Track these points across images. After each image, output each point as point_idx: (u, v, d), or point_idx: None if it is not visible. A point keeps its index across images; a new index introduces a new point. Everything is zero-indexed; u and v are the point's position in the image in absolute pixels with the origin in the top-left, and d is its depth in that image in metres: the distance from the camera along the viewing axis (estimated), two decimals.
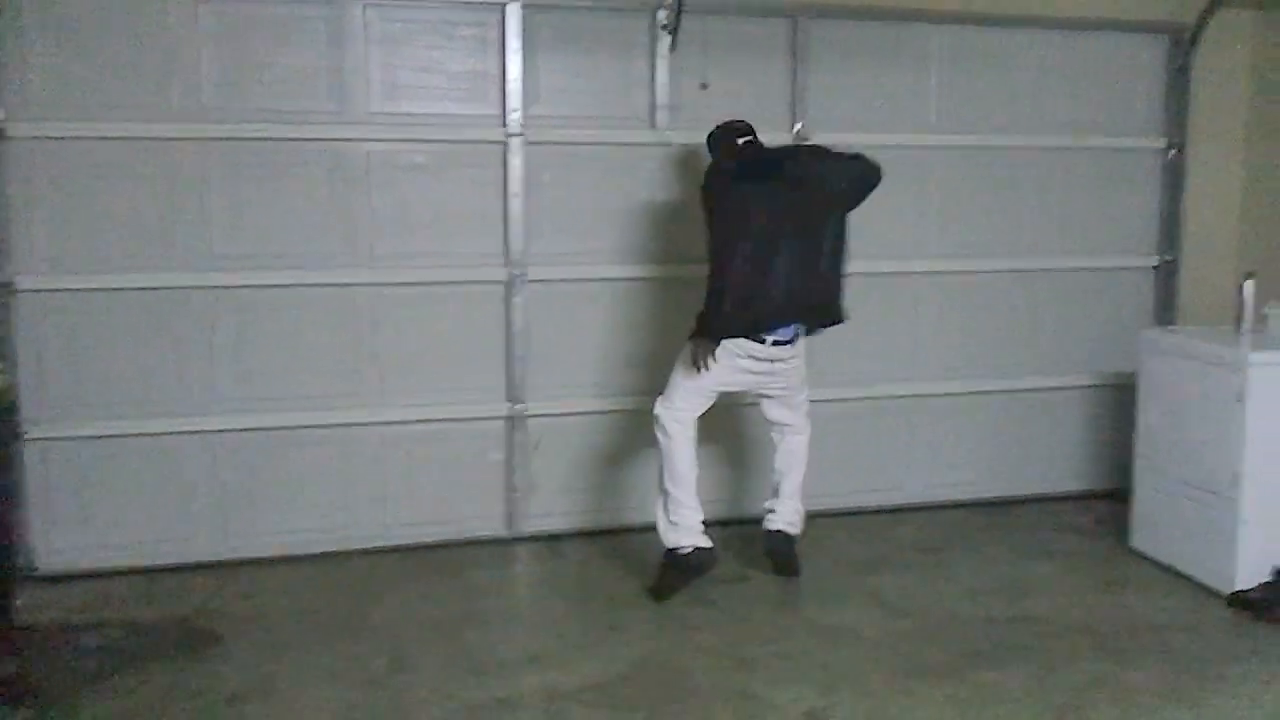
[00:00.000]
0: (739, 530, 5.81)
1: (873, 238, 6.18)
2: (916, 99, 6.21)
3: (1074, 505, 6.53)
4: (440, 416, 5.73)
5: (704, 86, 5.76)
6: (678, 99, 5.81)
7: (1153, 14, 6.43)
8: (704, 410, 5.11)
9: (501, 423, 5.83)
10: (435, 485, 5.78)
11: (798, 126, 5.87)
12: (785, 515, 5.37)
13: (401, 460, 5.72)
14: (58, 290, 5.24)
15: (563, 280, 5.77)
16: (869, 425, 6.35)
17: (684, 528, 5.08)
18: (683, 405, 5.06)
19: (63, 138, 5.17)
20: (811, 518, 5.59)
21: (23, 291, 5.19)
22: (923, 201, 6.28)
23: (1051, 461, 6.66)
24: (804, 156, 5.07)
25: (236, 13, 5.29)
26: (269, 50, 5.36)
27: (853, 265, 6.12)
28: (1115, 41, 6.45)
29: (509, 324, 5.75)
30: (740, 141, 5.12)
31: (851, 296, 5.96)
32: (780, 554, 5.39)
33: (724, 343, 4.96)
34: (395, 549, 5.70)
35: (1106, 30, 6.40)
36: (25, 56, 5.10)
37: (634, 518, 5.98)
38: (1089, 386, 6.63)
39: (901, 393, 6.37)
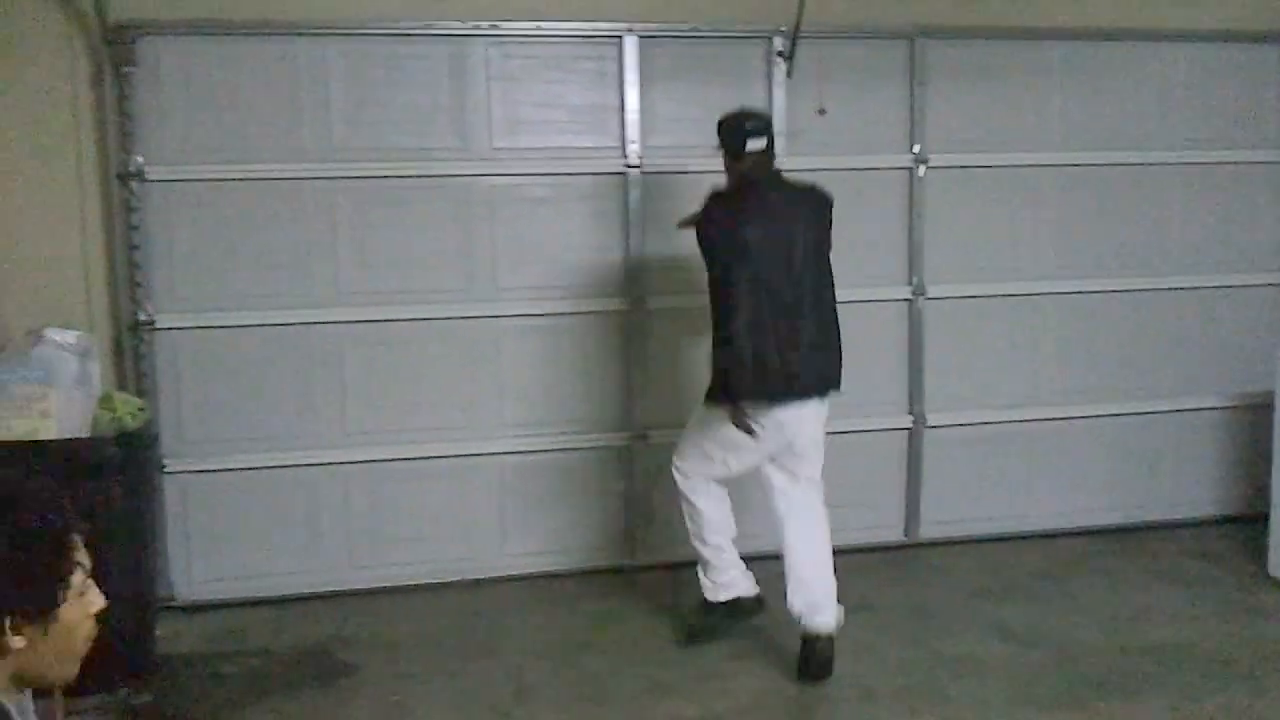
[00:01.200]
0: (863, 558, 5.77)
1: (993, 259, 6.13)
2: (1037, 117, 6.12)
3: (1208, 530, 6.35)
4: (562, 446, 5.80)
5: (821, 112, 5.75)
6: (796, 125, 5.80)
7: (1274, 24, 6.26)
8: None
9: (622, 451, 5.88)
10: (557, 515, 5.84)
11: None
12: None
13: (524, 490, 5.80)
14: (195, 328, 5.41)
15: (683, 309, 5.76)
16: (991, 451, 6.25)
17: (725, 581, 4.93)
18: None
19: (199, 179, 5.35)
20: (934, 545, 5.54)
21: (161, 329, 5.38)
22: (1044, 221, 6.19)
23: (1184, 485, 6.49)
24: (818, 210, 4.67)
25: (362, 53, 5.44)
26: (394, 89, 5.49)
27: (978, 287, 6.06)
28: (1237, 53, 6.30)
29: (629, 353, 5.80)
30: (750, 147, 4.62)
31: (971, 319, 5.90)
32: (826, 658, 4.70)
33: None
34: (520, 577, 5.77)
35: (1228, 41, 6.26)
36: (163, 103, 5.29)
37: (754, 545, 5.95)
38: (1222, 408, 6.45)
39: (1025, 417, 6.26)
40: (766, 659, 4.83)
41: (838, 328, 4.67)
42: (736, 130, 4.68)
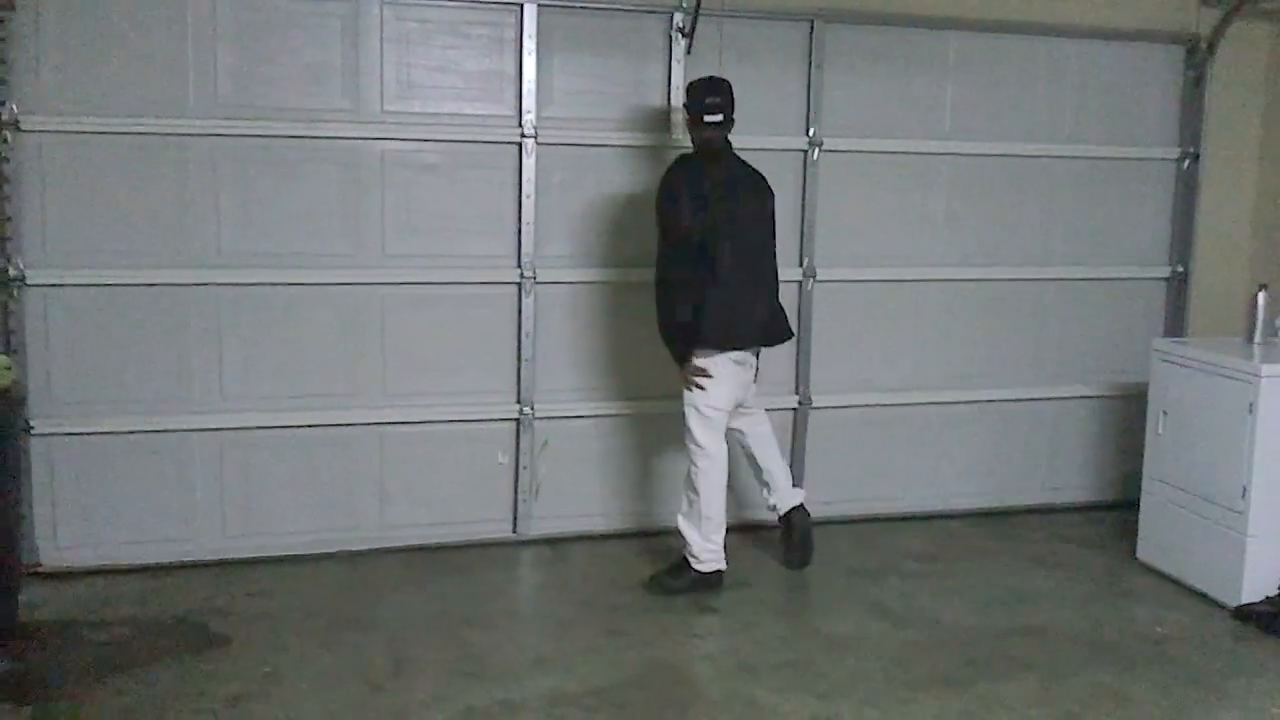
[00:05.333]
0: (740, 536, 5.80)
1: (882, 244, 6.20)
2: (931, 106, 6.19)
3: (1081, 516, 6.50)
4: (448, 418, 5.73)
5: None
6: None
7: (1169, 24, 6.41)
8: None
9: (510, 425, 5.82)
10: (442, 487, 5.77)
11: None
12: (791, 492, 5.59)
13: (408, 461, 5.71)
14: (67, 285, 5.22)
15: (573, 283, 5.77)
16: (873, 433, 6.33)
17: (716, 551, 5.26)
18: None
19: (76, 132, 5.16)
20: (817, 525, 5.59)
21: (32, 285, 5.18)
22: (934, 208, 6.26)
23: (1059, 472, 6.64)
24: (760, 197, 5.25)
25: (253, 8, 5.28)
26: (284, 47, 5.35)
27: (866, 271, 6.16)
28: (1131, 51, 6.43)
29: (519, 326, 5.74)
30: (707, 119, 5.05)
31: (859, 303, 6.00)
32: (804, 530, 5.55)
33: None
34: (400, 550, 5.68)
35: (1123, 40, 6.38)
36: (41, 50, 5.09)
37: (641, 522, 5.98)
38: (1098, 397, 6.61)
39: (906, 401, 6.35)
40: (648, 633, 4.83)
41: (778, 296, 5.35)
42: (698, 100, 5.07)
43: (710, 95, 5.05)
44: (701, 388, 5.09)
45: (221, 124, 5.30)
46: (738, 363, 5.15)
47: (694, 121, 5.07)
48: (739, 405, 5.29)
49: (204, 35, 5.25)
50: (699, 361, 5.07)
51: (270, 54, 5.34)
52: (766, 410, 5.59)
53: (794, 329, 5.54)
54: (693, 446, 5.15)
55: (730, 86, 5.09)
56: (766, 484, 5.55)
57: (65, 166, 5.18)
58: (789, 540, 5.56)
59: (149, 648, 4.59)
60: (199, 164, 5.31)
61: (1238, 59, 6.47)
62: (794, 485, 5.64)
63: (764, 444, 5.52)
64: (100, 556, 5.36)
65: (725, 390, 5.13)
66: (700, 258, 5.00)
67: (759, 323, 5.18)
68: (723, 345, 5.08)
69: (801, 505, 5.56)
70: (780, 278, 5.35)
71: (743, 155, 5.25)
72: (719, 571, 5.25)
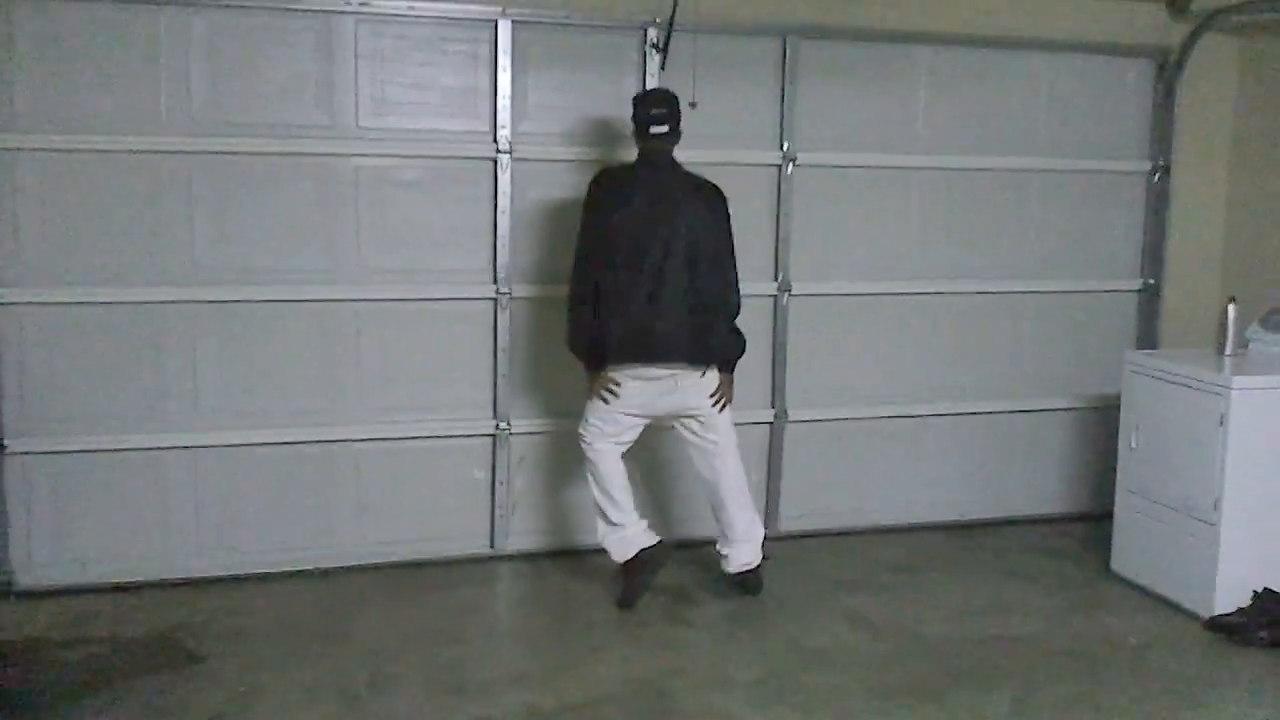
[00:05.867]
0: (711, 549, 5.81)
1: (856, 258, 6.23)
2: (903, 120, 6.23)
3: (1055, 528, 6.53)
4: (425, 434, 5.72)
5: (693, 105, 5.72)
6: None
7: (1139, 38, 6.46)
8: None
9: (486, 440, 5.82)
10: (418, 503, 5.76)
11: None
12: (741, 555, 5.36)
13: (385, 477, 5.71)
14: (41, 303, 5.21)
15: (549, 298, 5.77)
16: (850, 446, 6.34)
17: (630, 538, 5.23)
18: None
19: (50, 149, 5.14)
20: (793, 538, 5.62)
21: (6, 304, 5.16)
22: (907, 223, 6.30)
23: (1033, 484, 6.67)
24: (692, 210, 5.07)
25: (227, 24, 5.28)
26: (258, 63, 5.35)
27: (841, 285, 6.17)
28: (1102, 65, 6.48)
29: (495, 341, 5.74)
30: (653, 131, 5.05)
31: (834, 316, 6.01)
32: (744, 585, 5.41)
33: None
34: (377, 566, 5.67)
35: (1093, 54, 6.43)
36: (14, 68, 5.08)
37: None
38: (1071, 409, 6.65)
39: (882, 414, 6.37)
40: (625, 648, 4.84)
41: (710, 315, 5.08)
42: (642, 111, 5.09)
43: (656, 107, 5.07)
44: (603, 399, 5.12)
45: (196, 140, 5.29)
46: (634, 378, 5.07)
47: (639, 132, 5.09)
48: (680, 425, 5.24)
49: (177, 51, 5.24)
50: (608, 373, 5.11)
51: (244, 70, 5.34)
52: (742, 424, 5.55)
53: (738, 348, 5.24)
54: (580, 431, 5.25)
55: (676, 99, 5.12)
56: (722, 533, 5.39)
57: (39, 184, 5.16)
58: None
59: (125, 666, 4.56)
60: (173, 180, 5.30)
61: (1208, 73, 6.53)
62: (752, 529, 5.36)
63: (714, 486, 5.30)
64: (76, 575, 5.33)
65: (620, 405, 5.11)
66: (597, 270, 5.03)
67: (660, 340, 5.00)
68: (606, 360, 5.07)
69: (754, 569, 5.37)
70: (733, 293, 5.16)
71: (716, 169, 5.28)
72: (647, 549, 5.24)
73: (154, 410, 5.40)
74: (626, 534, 5.23)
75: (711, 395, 5.13)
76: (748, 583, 5.37)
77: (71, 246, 5.22)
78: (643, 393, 5.09)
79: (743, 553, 5.31)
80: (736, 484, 5.29)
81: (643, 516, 5.31)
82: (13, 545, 5.27)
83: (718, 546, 5.39)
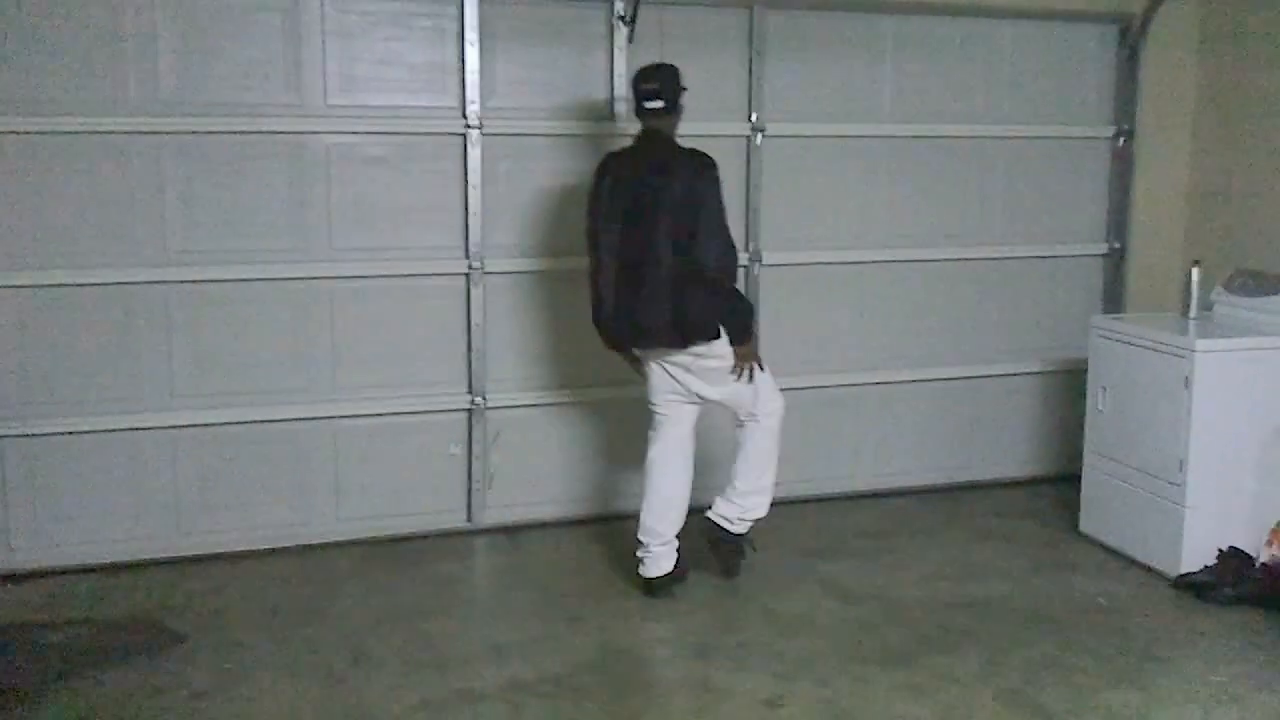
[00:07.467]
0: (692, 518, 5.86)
1: (825, 227, 6.27)
2: (869, 89, 6.26)
3: (1024, 491, 6.63)
4: (400, 410, 5.75)
5: None
6: None
7: (1102, 4, 6.51)
8: None
9: (462, 415, 5.85)
10: (395, 479, 5.79)
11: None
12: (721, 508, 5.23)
13: (361, 454, 5.73)
14: (13, 286, 5.19)
15: (522, 272, 5.80)
16: (819, 414, 6.39)
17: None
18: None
19: (16, 132, 5.11)
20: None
21: None
22: (875, 191, 6.34)
23: (1001, 448, 6.76)
24: (692, 185, 4.79)
25: (192, 4, 5.25)
26: (226, 42, 5.33)
27: (811, 254, 6.19)
28: (1065, 31, 6.53)
29: (469, 316, 5.76)
30: (647, 105, 4.90)
31: (805, 285, 6.04)
32: (713, 547, 5.27)
33: None
34: (355, 543, 5.70)
35: (1057, 20, 6.47)
36: None
37: (595, 508, 6.03)
38: (1039, 373, 6.73)
39: (851, 381, 6.44)
40: (603, 618, 4.90)
41: (684, 285, 4.77)
42: (635, 87, 4.95)
43: (646, 82, 4.89)
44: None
45: (164, 121, 5.27)
46: (652, 360, 5.03)
47: (636, 109, 4.95)
48: (723, 405, 5.13)
49: (144, 32, 5.21)
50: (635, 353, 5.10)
51: (211, 50, 5.31)
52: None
53: (740, 316, 4.96)
54: None
55: (675, 72, 4.95)
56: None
57: (6, 167, 5.13)
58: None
59: (106, 648, 4.59)
60: (142, 162, 5.28)
61: (1170, 37, 6.58)
62: (748, 499, 5.19)
63: (738, 446, 5.22)
64: (54, 557, 5.33)
65: (651, 385, 5.09)
66: (593, 250, 4.99)
67: (643, 323, 4.85)
68: (608, 345, 5.07)
69: (721, 529, 5.20)
70: (729, 261, 4.88)
71: (685, 141, 5.25)
72: (651, 579, 5.11)
73: (129, 391, 5.40)
74: (651, 551, 5.11)
75: (732, 371, 5.00)
76: (716, 545, 5.20)
77: (42, 230, 5.20)
78: (665, 375, 5.02)
79: (725, 509, 5.16)
80: (756, 460, 5.16)
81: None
82: None
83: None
